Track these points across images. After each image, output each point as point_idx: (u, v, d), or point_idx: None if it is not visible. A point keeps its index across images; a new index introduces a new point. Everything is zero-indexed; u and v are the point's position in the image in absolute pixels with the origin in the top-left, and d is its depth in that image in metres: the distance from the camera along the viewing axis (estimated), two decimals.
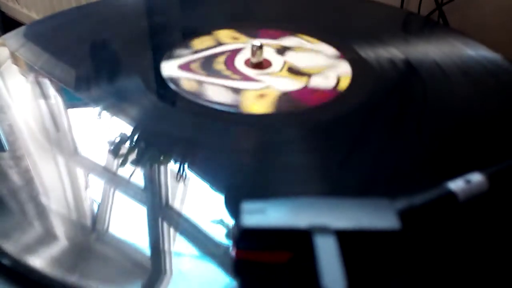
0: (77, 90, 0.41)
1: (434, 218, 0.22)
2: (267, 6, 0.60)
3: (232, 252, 0.21)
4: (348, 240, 0.19)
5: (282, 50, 0.46)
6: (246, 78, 0.41)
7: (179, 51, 0.45)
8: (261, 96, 0.39)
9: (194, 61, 0.44)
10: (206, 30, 0.49)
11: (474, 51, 0.47)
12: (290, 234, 0.20)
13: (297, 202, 0.21)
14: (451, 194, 0.23)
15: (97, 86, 0.42)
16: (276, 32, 0.49)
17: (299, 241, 0.19)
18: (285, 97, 0.39)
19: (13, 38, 0.49)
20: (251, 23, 0.52)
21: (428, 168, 0.32)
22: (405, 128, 0.37)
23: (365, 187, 0.31)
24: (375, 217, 0.20)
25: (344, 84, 0.41)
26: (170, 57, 0.44)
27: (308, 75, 0.42)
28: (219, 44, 0.47)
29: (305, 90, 0.40)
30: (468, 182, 0.23)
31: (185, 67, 0.43)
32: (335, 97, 0.39)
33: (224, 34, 0.49)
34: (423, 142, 0.35)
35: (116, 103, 0.39)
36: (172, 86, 0.40)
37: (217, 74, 0.42)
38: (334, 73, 0.42)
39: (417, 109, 0.39)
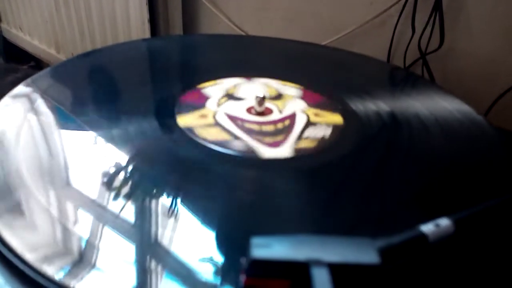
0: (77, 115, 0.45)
1: (409, 255, 0.27)
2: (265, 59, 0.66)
3: (242, 279, 0.25)
4: (338, 272, 0.24)
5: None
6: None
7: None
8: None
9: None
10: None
11: (449, 104, 0.52)
12: (291, 265, 0.24)
13: (297, 239, 0.25)
14: (423, 235, 0.27)
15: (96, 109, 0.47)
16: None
17: (298, 271, 0.24)
18: None
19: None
20: (252, 72, 0.57)
21: (406, 210, 0.37)
22: (387, 174, 0.41)
23: (351, 227, 0.35)
24: (359, 253, 0.25)
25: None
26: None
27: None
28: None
29: None
30: (437, 225, 0.28)
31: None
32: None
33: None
34: (402, 186, 0.40)
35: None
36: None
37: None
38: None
39: (398, 157, 0.44)
